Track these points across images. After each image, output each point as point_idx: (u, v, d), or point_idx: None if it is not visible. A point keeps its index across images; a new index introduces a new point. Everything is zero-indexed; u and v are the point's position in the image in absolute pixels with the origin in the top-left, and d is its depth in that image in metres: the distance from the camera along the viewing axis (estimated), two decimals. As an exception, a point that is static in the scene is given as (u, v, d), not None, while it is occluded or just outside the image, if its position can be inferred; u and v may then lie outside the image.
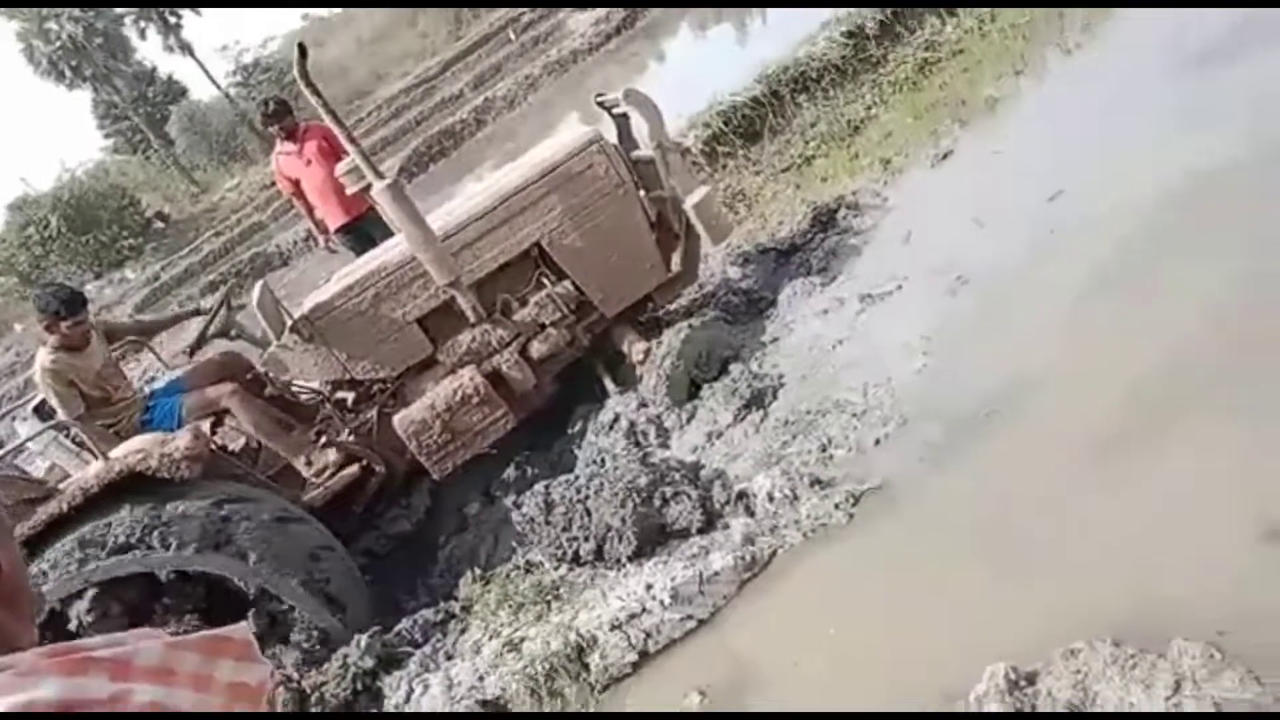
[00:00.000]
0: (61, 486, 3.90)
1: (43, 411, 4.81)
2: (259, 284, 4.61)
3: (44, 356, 4.49)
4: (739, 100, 7.28)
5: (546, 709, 3.31)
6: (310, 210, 7.32)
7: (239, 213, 22.86)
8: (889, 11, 7.40)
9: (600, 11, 19.34)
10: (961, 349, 3.99)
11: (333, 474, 4.38)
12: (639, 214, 4.76)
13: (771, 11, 13.01)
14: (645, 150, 4.85)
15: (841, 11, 7.77)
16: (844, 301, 4.85)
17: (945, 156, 5.67)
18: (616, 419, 4.50)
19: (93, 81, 32.27)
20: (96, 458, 4.12)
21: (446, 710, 3.31)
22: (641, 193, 5.05)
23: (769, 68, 7.47)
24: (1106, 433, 3.13)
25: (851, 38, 7.37)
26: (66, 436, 4.46)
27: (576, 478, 3.85)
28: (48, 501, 3.74)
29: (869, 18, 7.39)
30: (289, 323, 4.43)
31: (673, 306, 5.73)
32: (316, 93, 4.03)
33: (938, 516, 3.29)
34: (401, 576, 4.74)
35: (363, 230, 6.88)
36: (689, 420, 4.43)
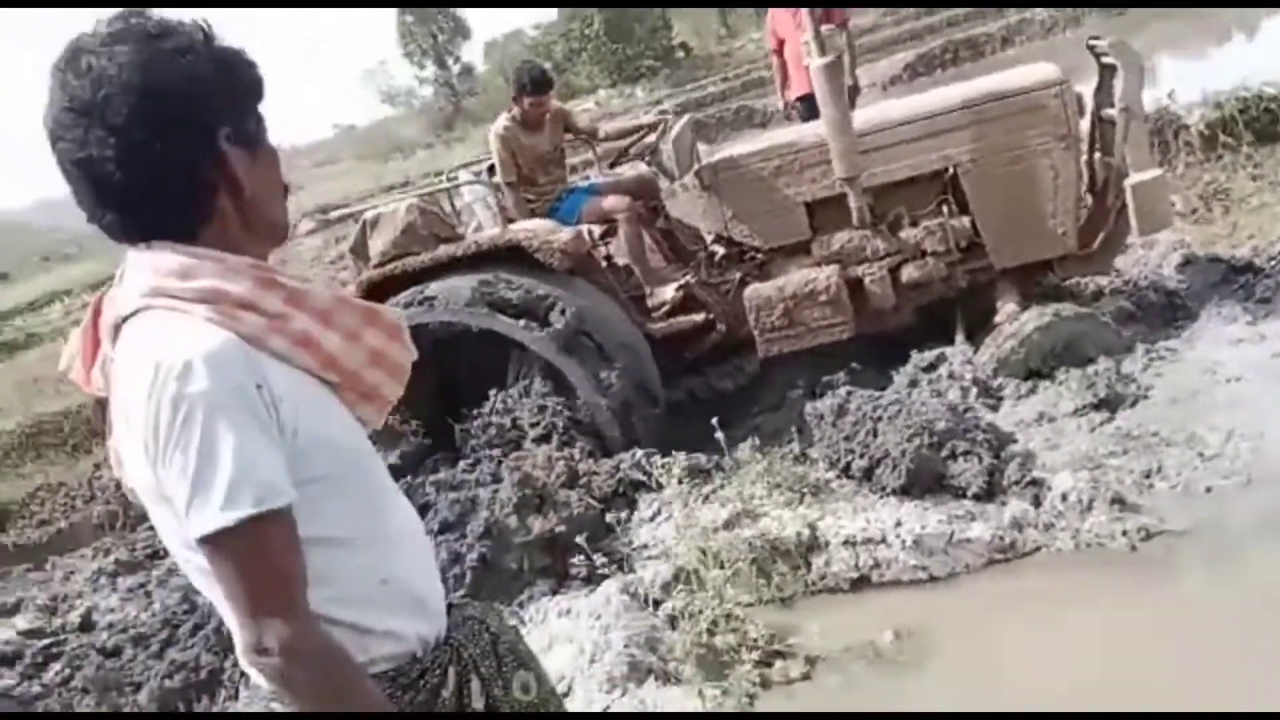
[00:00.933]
0: (468, 235, 4.58)
1: (493, 173, 5.53)
2: (684, 118, 4.92)
3: (500, 122, 5.15)
4: (1269, 91, 6.34)
5: (758, 584, 3.48)
6: (784, 72, 7.52)
7: (751, 64, 23.70)
8: None
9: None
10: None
11: (670, 313, 4.69)
12: (1073, 173, 4.42)
13: None
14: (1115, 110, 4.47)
15: None
16: (1265, 340, 4.28)
17: None
18: (938, 363, 4.38)
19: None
20: (509, 224, 4.74)
21: (677, 539, 3.59)
22: (1096, 155, 4.69)
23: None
24: None
25: None
26: (493, 200, 5.14)
27: (879, 396, 3.85)
28: (451, 243, 4.42)
29: None
30: (696, 166, 4.71)
31: (1083, 282, 5.35)
32: None
33: (1218, 586, 2.97)
34: (709, 429, 5.05)
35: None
36: (1029, 394, 4.21)
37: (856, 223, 4.55)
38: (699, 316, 4.76)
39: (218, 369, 1.10)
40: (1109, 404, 4.00)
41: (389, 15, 34.50)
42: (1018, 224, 4.46)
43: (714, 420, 4.05)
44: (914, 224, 4.56)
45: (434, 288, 4.28)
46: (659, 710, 2.93)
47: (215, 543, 1.11)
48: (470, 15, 44.08)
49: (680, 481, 3.87)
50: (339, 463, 1.23)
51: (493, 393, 4.32)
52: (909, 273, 4.54)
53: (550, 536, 3.56)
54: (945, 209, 4.54)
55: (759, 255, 4.81)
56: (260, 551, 1.12)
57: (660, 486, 3.89)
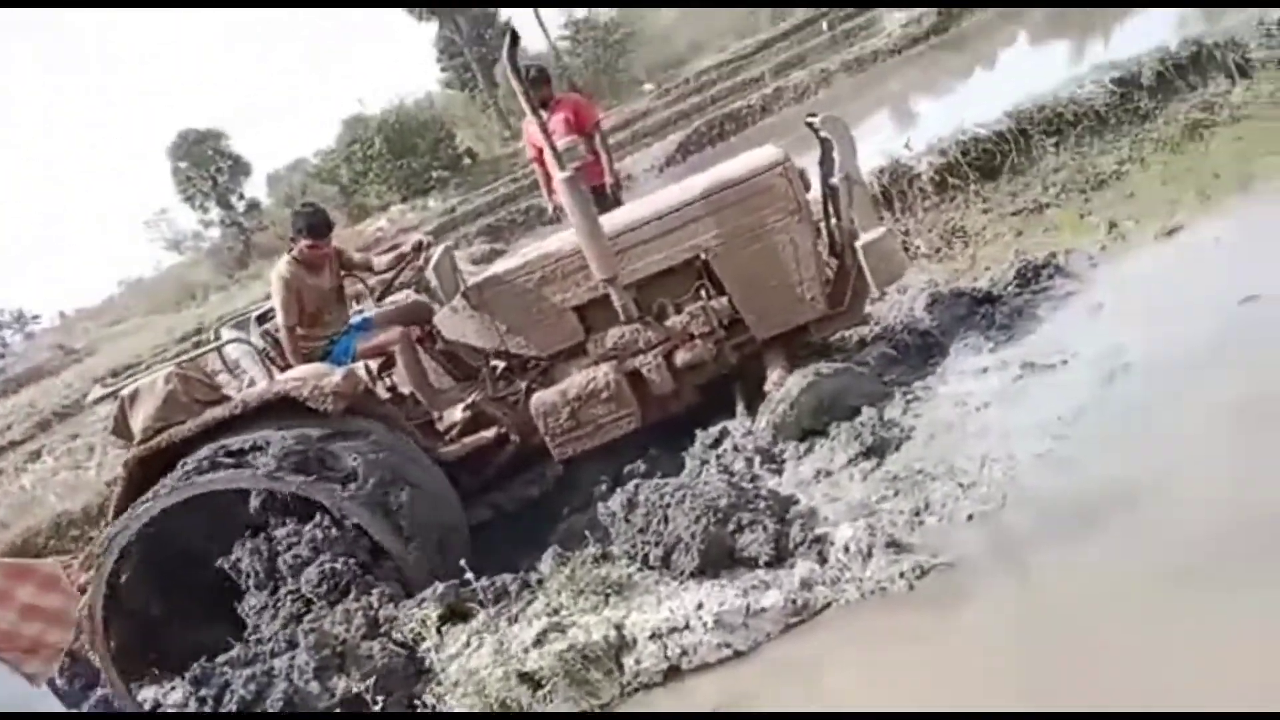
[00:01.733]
0: (233, 395, 4.47)
1: (265, 319, 5.43)
2: (440, 248, 5.01)
3: (282, 264, 5.10)
4: (982, 133, 6.98)
5: (575, 697, 3.48)
6: (548, 179, 7.75)
7: (533, 164, 24.22)
8: (1170, 64, 6.81)
9: (914, 12, 18.83)
10: (1090, 442, 3.76)
11: (462, 433, 4.71)
12: (810, 243, 4.75)
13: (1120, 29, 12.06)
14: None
15: (1122, 55, 7.21)
16: (1006, 365, 4.65)
17: (1172, 232, 5.23)
18: (722, 438, 4.55)
19: (441, 16, 34.75)
20: (281, 371, 4.65)
21: (488, 668, 3.55)
22: (834, 221, 5.03)
23: (1023, 104, 7.10)
24: (1194, 563, 2.90)
25: (1122, 85, 6.86)
26: (262, 350, 5.05)
27: (666, 484, 3.96)
28: (216, 406, 4.30)
29: (1146, 66, 6.84)
30: (463, 288, 4.79)
31: (847, 334, 5.69)
32: (520, 80, 4.34)
33: (989, 610, 3.18)
34: (521, 537, 5.04)
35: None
36: (806, 453, 4.41)
37: (624, 318, 4.73)
38: (490, 432, 4.80)
39: None
40: (877, 451, 4.24)
41: (162, 164, 33.43)
42: (769, 297, 4.74)
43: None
44: (678, 310, 4.79)
45: (196, 457, 4.14)
46: None
47: None
48: (246, 149, 43.29)
49: (483, 606, 3.86)
50: None
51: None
52: (681, 356, 4.74)
53: (355, 695, 3.46)
54: (703, 293, 4.78)
55: (541, 362, 4.91)
56: None
57: (465, 616, 3.86)
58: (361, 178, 27.89)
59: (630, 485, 4.06)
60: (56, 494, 10.04)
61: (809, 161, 5.32)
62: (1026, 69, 11.56)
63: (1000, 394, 4.39)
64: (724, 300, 4.78)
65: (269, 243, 31.20)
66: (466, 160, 28.98)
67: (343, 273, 5.43)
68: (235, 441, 4.14)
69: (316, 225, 5.11)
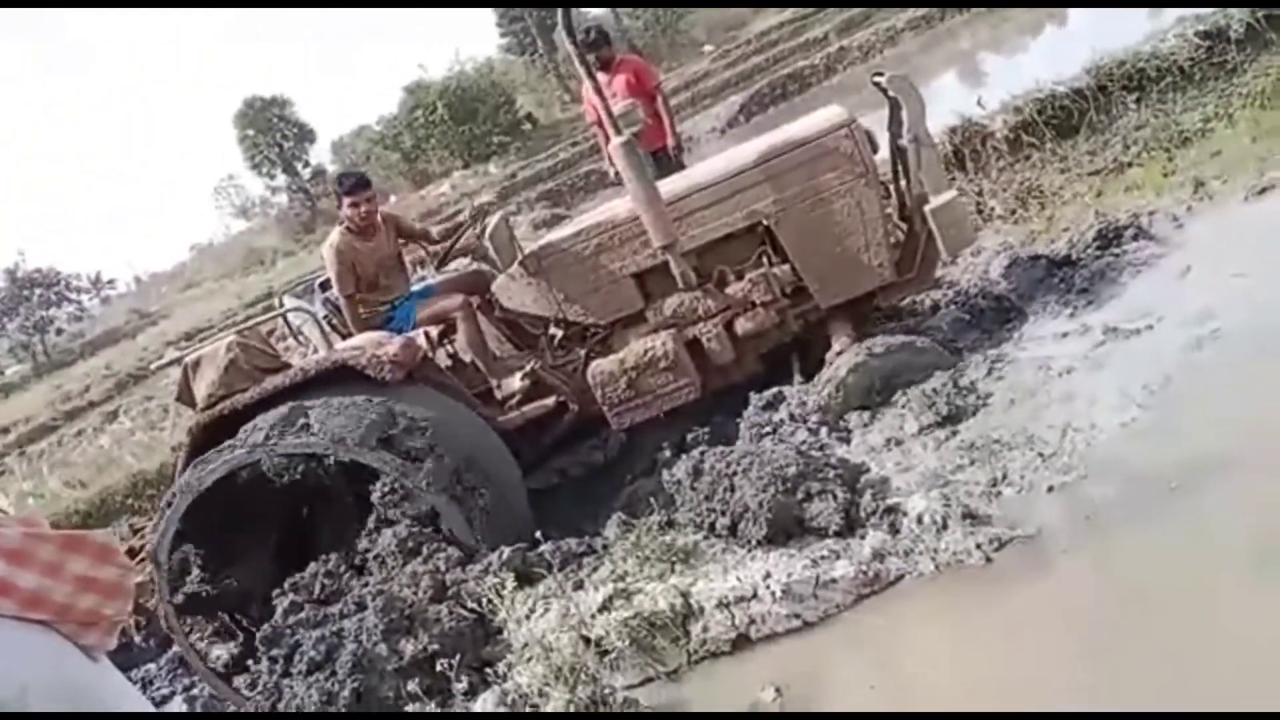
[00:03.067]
0: (294, 363, 4.49)
1: (327, 286, 5.47)
2: (497, 215, 4.97)
3: (333, 235, 5.14)
4: (1060, 90, 6.72)
5: (641, 663, 3.46)
6: (607, 140, 7.66)
7: (594, 127, 24.08)
8: (1261, 14, 6.47)
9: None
10: (1178, 410, 3.60)
11: (522, 402, 4.69)
12: (876, 207, 4.60)
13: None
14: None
15: (1205, 10, 6.88)
16: (1088, 330, 4.49)
17: (1263, 191, 4.99)
18: (776, 402, 4.47)
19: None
20: (343, 339, 4.66)
21: (555, 633, 3.54)
22: (903, 183, 4.89)
23: (1102, 59, 6.82)
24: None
25: (1208, 39, 6.55)
26: (325, 318, 5.07)
27: (732, 451, 3.89)
28: (277, 374, 4.33)
29: (1235, 18, 6.51)
30: (520, 256, 4.74)
31: (918, 297, 5.55)
32: (575, 45, 4.26)
33: (1069, 585, 3.08)
34: (588, 501, 5.03)
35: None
36: (874, 420, 4.31)
37: (683, 286, 4.64)
38: (550, 400, 4.77)
39: None
40: (952, 419, 4.12)
41: (229, 131, 33.86)
42: (834, 264, 4.61)
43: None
44: (739, 278, 4.67)
45: (260, 424, 4.17)
46: None
47: None
48: (313, 117, 43.77)
49: (550, 571, 3.85)
50: (56, 703, 1.18)
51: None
52: (743, 325, 4.64)
53: (423, 657, 3.48)
54: (765, 259, 4.67)
55: (599, 330, 4.85)
56: None
57: (533, 580, 3.85)
58: (423, 144, 27.98)
59: (696, 452, 4.01)
60: (133, 454, 10.32)
61: (876, 120, 5.17)
62: (1100, 24, 11.14)
63: (1083, 359, 4.24)
64: (786, 267, 4.66)
65: (334, 209, 31.59)
66: (527, 125, 28.91)
67: (400, 241, 5.44)
68: (299, 408, 4.16)
69: (354, 181, 5.15)
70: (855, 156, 4.49)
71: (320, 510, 4.57)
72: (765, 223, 4.61)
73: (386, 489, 4.03)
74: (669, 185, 4.78)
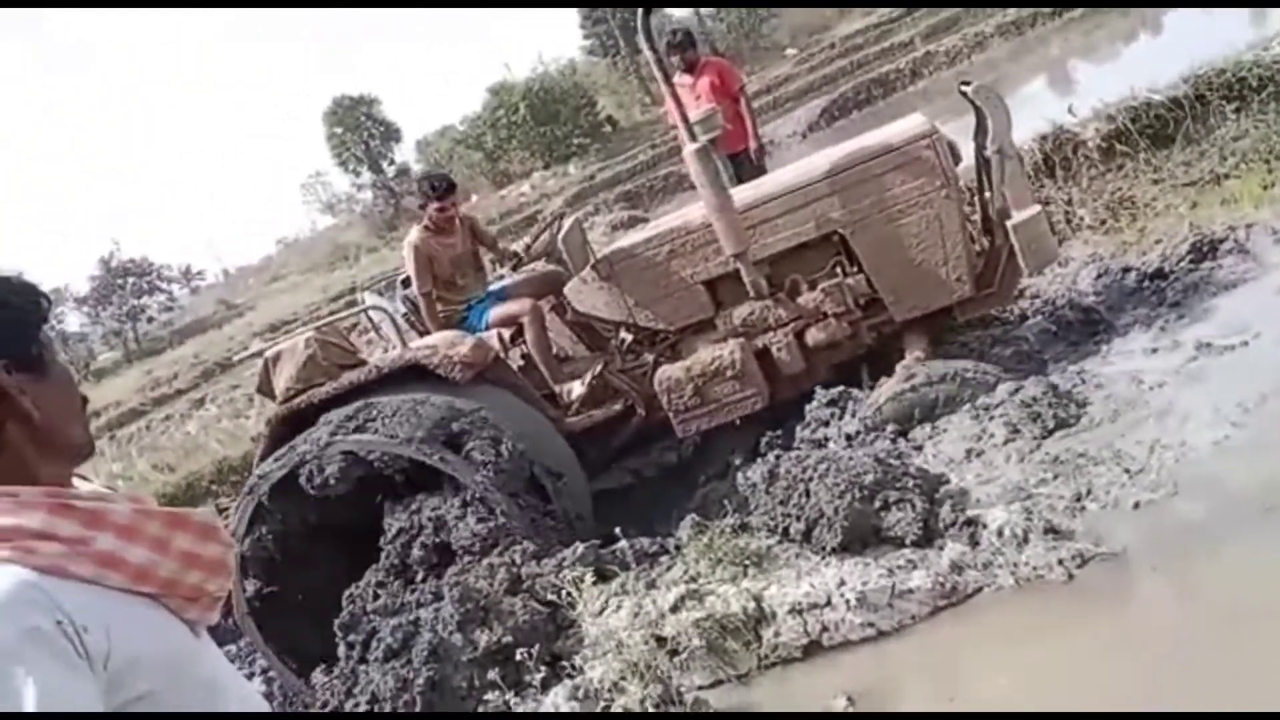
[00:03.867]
0: (370, 359, 4.59)
1: (408, 284, 5.57)
2: (570, 219, 5.01)
3: (413, 233, 5.24)
4: (1155, 98, 6.54)
5: (712, 665, 3.47)
6: (689, 142, 7.67)
7: (674, 130, 24.12)
8: (1374, 21, 6.22)
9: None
10: (1274, 429, 3.48)
11: (590, 405, 4.72)
12: (956, 220, 4.51)
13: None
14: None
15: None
16: (1179, 345, 4.37)
17: (1368, 205, 4.80)
18: (842, 400, 4.44)
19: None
20: (420, 335, 4.75)
21: (627, 630, 3.56)
22: (987, 194, 4.80)
23: (1200, 68, 6.62)
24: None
25: (1316, 47, 6.32)
26: (405, 315, 5.17)
27: (808, 456, 3.87)
28: (353, 370, 4.44)
29: (1346, 24, 6.27)
30: (593, 259, 4.78)
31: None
32: (654, 49, 4.29)
33: (1156, 604, 3.00)
34: (661, 503, 5.04)
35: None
36: (944, 431, 4.24)
37: (753, 294, 4.61)
38: (617, 405, 4.79)
39: (7, 614, 1.10)
40: (1036, 430, 4.04)
41: (318, 128, 34.63)
42: (911, 276, 4.54)
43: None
44: (811, 287, 4.64)
45: (331, 418, 4.28)
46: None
47: None
48: (399, 116, 44.55)
49: (625, 569, 3.87)
50: (160, 679, 1.22)
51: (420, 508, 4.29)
52: (814, 335, 4.61)
53: (498, 648, 3.52)
54: (840, 270, 4.62)
55: (669, 336, 4.86)
56: None
57: (606, 577, 3.88)
58: (505, 144, 28.37)
59: (771, 456, 3.99)
60: (219, 440, 10.62)
61: (963, 128, 5.09)
62: (1199, 32, 10.82)
63: (1174, 374, 4.13)
64: (861, 278, 4.59)
65: (416, 208, 32.13)
66: (607, 127, 29.09)
67: (478, 243, 5.53)
68: (368, 405, 4.27)
69: (442, 185, 5.26)
70: (936, 167, 4.41)
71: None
72: (841, 232, 4.56)
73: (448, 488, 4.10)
74: (742, 193, 4.77)
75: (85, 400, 1.36)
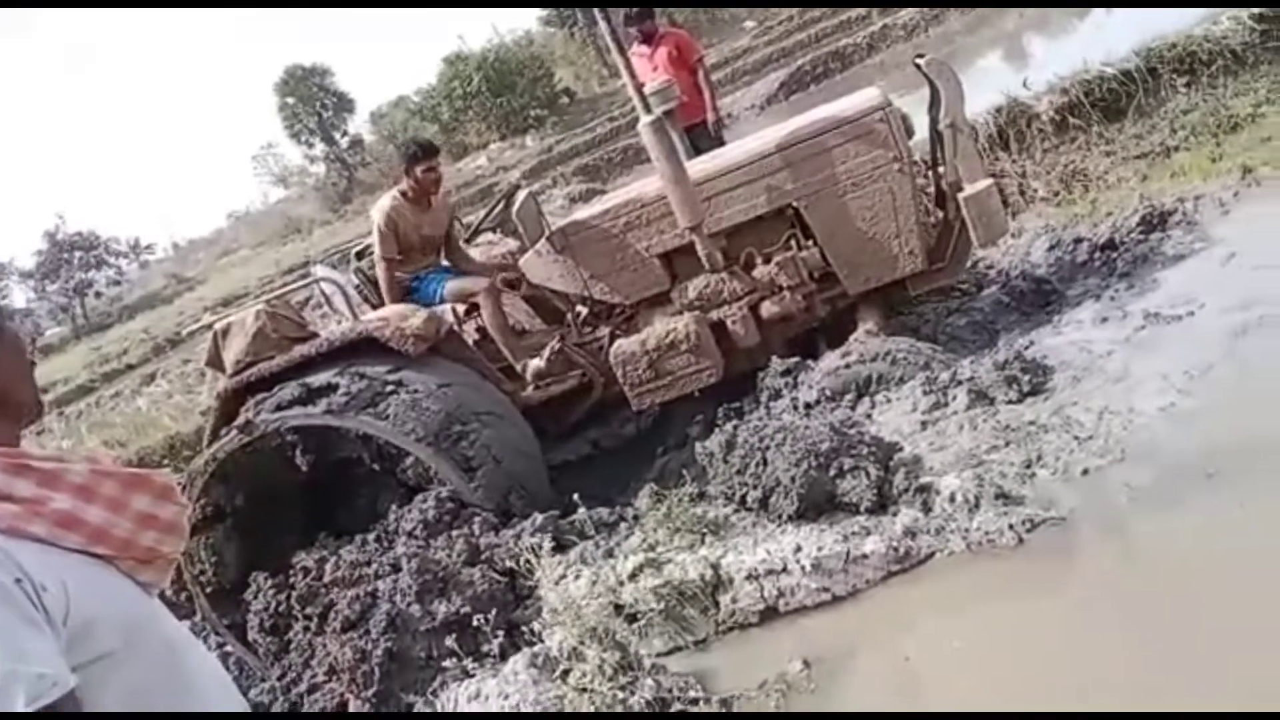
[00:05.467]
0: (321, 332, 4.56)
1: (363, 256, 5.49)
2: (524, 192, 4.97)
3: (386, 198, 5.10)
4: (1108, 72, 6.62)
5: (670, 632, 3.50)
6: (650, 113, 7.64)
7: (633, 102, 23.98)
8: (1319, -3, 6.33)
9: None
10: (1219, 396, 3.56)
11: (544, 378, 4.71)
12: (909, 193, 4.53)
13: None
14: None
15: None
16: (1127, 315, 4.45)
17: (1314, 178, 4.91)
18: (796, 371, 4.48)
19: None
20: (372, 309, 4.71)
21: (585, 599, 3.58)
22: (941, 167, 4.84)
23: (1152, 41, 6.70)
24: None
25: (1263, 21, 6.42)
26: (356, 288, 5.12)
27: (765, 425, 3.90)
28: (304, 342, 4.40)
29: (1291, 1, 6.38)
30: (547, 232, 4.75)
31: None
32: (608, 20, 4.26)
33: (1103, 566, 3.07)
34: (620, 472, 5.05)
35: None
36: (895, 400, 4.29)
37: (709, 267, 4.62)
38: (573, 379, 4.78)
39: None
40: (986, 398, 4.10)
41: (269, 99, 34.00)
42: (864, 249, 4.57)
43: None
44: (766, 261, 4.65)
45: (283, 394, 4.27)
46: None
47: None
48: (352, 87, 43.90)
49: (583, 538, 3.89)
50: (118, 639, 1.21)
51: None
52: (768, 309, 4.63)
53: (456, 619, 3.53)
54: (794, 243, 4.63)
55: (625, 309, 4.86)
56: None
57: (564, 547, 3.89)
58: (461, 115, 27.97)
59: (729, 426, 4.02)
60: (170, 416, 10.45)
61: (919, 100, 5.11)
62: (1150, 9, 10.96)
63: (1121, 344, 4.20)
64: (815, 251, 4.61)
65: (372, 179, 31.70)
66: (564, 99, 28.83)
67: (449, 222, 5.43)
68: (315, 379, 4.26)
69: (427, 145, 5.16)
70: (889, 140, 4.43)
71: (345, 480, 4.65)
72: (795, 205, 4.57)
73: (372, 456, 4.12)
74: (698, 165, 4.76)
75: (33, 363, 1.34)
